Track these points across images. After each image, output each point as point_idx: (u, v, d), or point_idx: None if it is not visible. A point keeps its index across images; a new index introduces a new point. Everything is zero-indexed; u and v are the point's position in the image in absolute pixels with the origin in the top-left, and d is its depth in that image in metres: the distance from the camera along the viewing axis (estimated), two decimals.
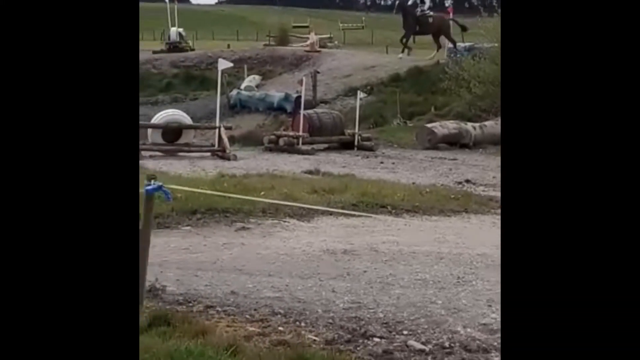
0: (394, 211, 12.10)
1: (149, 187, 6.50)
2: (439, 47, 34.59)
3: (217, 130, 22.18)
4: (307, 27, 52.09)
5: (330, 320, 6.55)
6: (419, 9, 34.50)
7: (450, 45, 34.26)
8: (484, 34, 28.65)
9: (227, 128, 22.92)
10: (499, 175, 13.16)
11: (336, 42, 48.09)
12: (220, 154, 21.63)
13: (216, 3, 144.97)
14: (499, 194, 12.94)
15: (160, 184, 6.58)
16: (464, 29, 35.12)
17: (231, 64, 25.92)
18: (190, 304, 6.84)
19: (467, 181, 17.24)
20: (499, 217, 9.69)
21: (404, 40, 35.38)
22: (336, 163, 20.58)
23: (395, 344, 6.04)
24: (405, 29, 34.81)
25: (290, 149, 23.01)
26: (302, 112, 23.95)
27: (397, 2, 36.21)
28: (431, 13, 34.83)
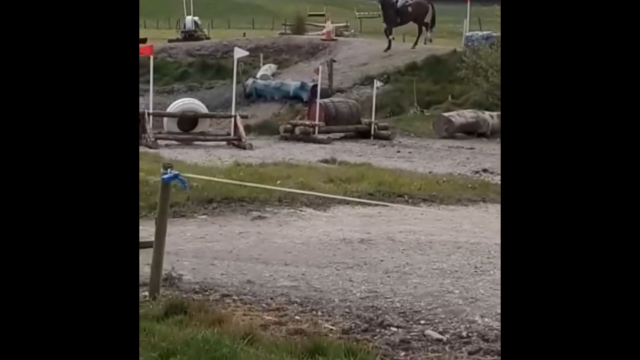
0: (410, 200, 12.06)
1: (166, 176, 6.49)
2: (420, 33, 34.58)
3: (232, 119, 22.17)
4: (323, 15, 51.83)
5: (347, 310, 6.52)
6: (399, 1, 34.25)
7: (468, 33, 34.12)
8: None
9: (243, 117, 22.89)
10: None
11: (352, 31, 47.84)
12: (236, 142, 21.62)
13: None
14: None
15: (176, 172, 6.57)
16: (430, 25, 34.95)
17: (247, 53, 25.88)
18: (207, 293, 6.82)
19: (485, 170, 17.17)
20: None
21: (387, 33, 35.12)
22: (352, 152, 20.53)
23: (412, 334, 6.01)
24: (387, 22, 34.56)
25: (306, 138, 22.96)
26: (318, 101, 23.89)
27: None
28: (410, 2, 34.56)
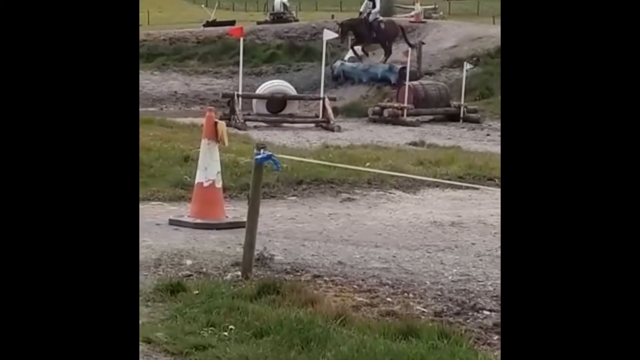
0: None
1: (259, 156, 6.52)
2: (389, 53, 31.46)
3: (321, 101, 22.23)
4: None
5: (439, 292, 6.48)
6: (370, 16, 31.96)
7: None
8: None
9: (331, 99, 22.93)
10: None
11: (441, 13, 47.43)
12: (324, 124, 21.68)
13: None
14: None
15: (269, 153, 6.60)
16: (408, 45, 31.90)
17: (336, 35, 25.88)
18: (298, 273, 6.84)
19: None
20: None
21: (363, 47, 32.33)
22: (441, 135, 20.41)
23: None
24: (363, 39, 32.17)
25: (395, 120, 22.91)
26: (407, 83, 23.78)
27: (340, 30, 30.97)
28: (382, 18, 32.56)
